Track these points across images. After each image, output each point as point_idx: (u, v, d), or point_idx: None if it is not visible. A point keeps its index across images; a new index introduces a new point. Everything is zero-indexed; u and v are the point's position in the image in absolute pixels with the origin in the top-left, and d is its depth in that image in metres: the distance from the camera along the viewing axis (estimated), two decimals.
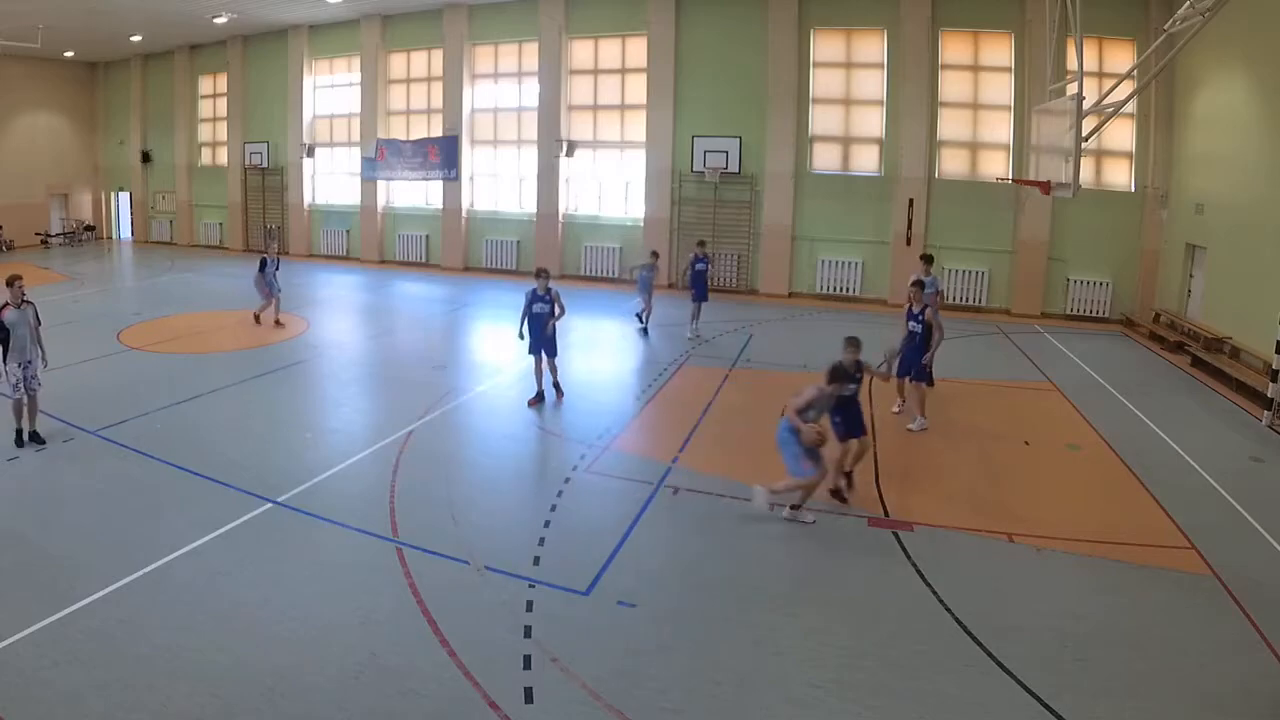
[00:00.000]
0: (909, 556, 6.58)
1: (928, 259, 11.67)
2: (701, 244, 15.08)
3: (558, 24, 20.78)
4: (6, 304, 8.55)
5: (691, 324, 14.65)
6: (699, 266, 14.45)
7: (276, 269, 15.08)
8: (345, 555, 6.47)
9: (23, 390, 8.53)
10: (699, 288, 14.49)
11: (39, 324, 8.79)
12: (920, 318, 9.70)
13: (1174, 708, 4.81)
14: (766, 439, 7.79)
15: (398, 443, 8.96)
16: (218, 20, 22.64)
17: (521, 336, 10.53)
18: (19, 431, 8.63)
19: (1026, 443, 9.44)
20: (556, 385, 10.79)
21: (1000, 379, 12.34)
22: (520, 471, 8.74)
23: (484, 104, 22.60)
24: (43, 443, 8.63)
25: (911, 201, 18.19)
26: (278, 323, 14.98)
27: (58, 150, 29.12)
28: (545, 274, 10.53)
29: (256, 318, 15.12)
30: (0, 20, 20.81)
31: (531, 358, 10.59)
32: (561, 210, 21.51)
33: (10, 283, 8.62)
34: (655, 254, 15.09)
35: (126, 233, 30.74)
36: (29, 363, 8.60)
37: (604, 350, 14.25)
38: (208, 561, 6.23)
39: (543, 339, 10.45)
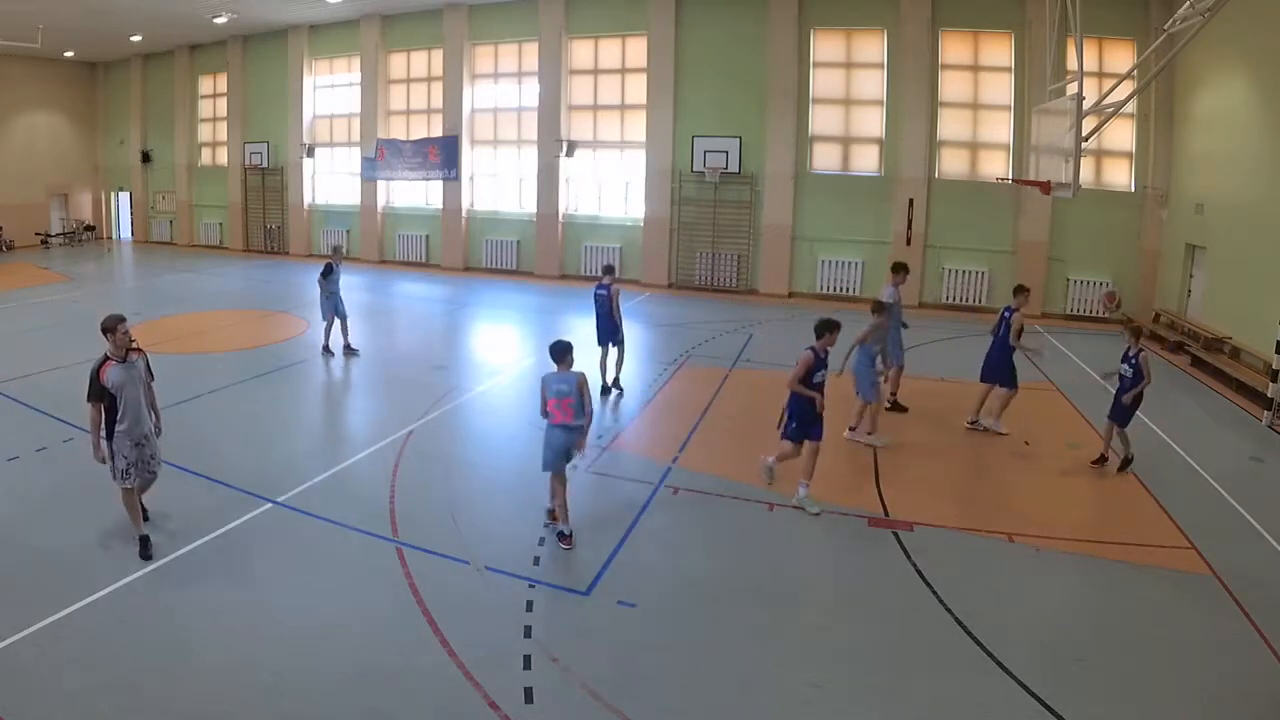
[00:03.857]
0: (909, 556, 6.58)
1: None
2: (1022, 291, 9.74)
3: (558, 24, 20.78)
4: (108, 358, 6.06)
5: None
6: (1005, 316, 9.59)
7: (338, 281, 12.84)
8: (345, 555, 6.47)
9: (135, 475, 6.15)
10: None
11: (152, 378, 6.40)
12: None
13: (1174, 708, 4.81)
14: (766, 439, 7.82)
15: (398, 443, 8.96)
16: (218, 20, 22.64)
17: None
18: (144, 540, 6.16)
19: (1026, 443, 9.44)
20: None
21: None
22: (520, 471, 8.69)
23: (484, 104, 22.60)
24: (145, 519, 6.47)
25: (911, 201, 18.19)
26: (348, 348, 12.84)
27: (58, 150, 29.12)
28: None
29: (343, 347, 12.81)
30: (0, 20, 20.81)
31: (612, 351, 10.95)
32: (561, 210, 21.51)
33: (111, 328, 6.03)
34: (880, 305, 9.23)
35: (126, 233, 30.74)
36: (145, 438, 6.18)
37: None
38: (208, 561, 6.23)
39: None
